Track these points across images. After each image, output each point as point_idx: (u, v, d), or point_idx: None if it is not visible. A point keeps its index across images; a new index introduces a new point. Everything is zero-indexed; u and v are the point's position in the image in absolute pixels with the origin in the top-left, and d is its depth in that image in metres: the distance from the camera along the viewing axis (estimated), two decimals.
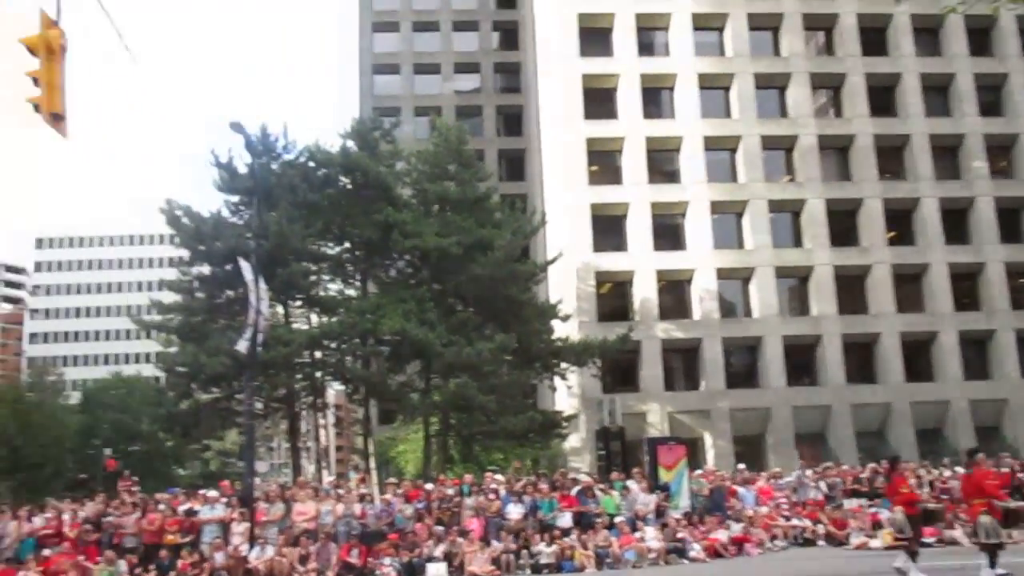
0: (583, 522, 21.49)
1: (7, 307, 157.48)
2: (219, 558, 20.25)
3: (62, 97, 11.82)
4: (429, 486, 24.57)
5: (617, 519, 21.43)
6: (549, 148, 51.84)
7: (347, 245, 37.99)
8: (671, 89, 48.58)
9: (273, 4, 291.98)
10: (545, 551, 20.34)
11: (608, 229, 46.30)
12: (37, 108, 11.68)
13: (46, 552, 21.28)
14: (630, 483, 23.33)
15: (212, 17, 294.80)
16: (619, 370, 43.95)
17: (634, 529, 21.29)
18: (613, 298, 46.40)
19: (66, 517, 22.02)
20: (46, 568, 20.64)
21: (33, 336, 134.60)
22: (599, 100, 47.82)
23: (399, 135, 42.68)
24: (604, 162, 47.68)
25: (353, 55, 68.41)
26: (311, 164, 36.63)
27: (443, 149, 37.26)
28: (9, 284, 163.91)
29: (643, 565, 20.08)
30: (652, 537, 20.99)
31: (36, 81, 11.65)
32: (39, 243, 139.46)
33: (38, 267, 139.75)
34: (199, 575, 19.96)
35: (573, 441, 42.11)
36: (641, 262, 45.71)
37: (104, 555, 20.55)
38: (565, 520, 21.41)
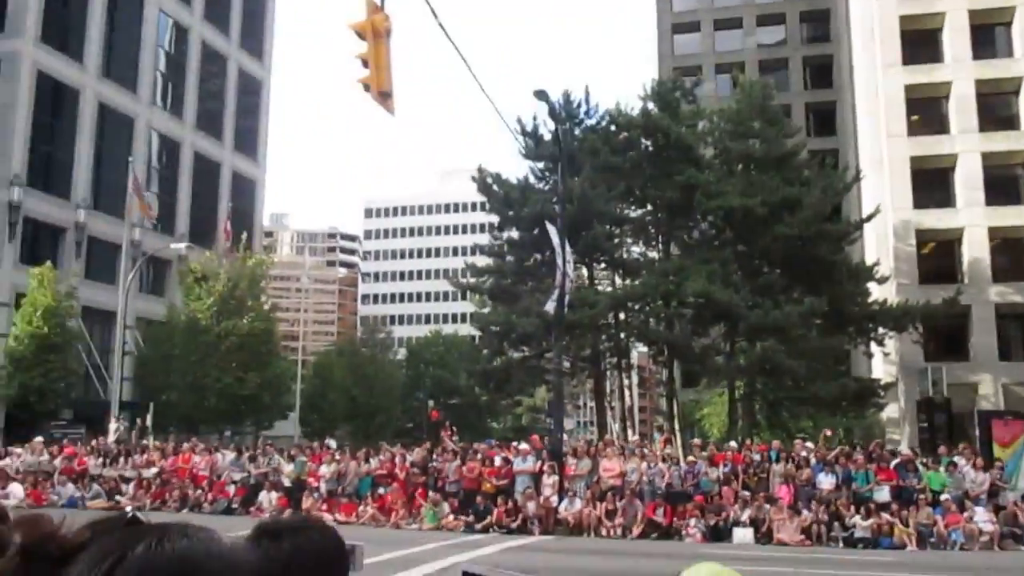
0: (902, 497, 20.14)
1: (343, 271, 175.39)
2: (531, 507, 21.35)
3: (389, 76, 12.81)
4: (733, 444, 24.25)
5: (942, 496, 19.84)
6: (863, 98, 48.40)
7: (649, 207, 38.12)
8: (1007, 25, 43.36)
9: None
10: (861, 524, 19.34)
11: (931, 183, 42.47)
12: (366, 88, 12.74)
13: (380, 490, 23.65)
14: (957, 459, 21.47)
15: None
16: (944, 337, 40.39)
17: (962, 509, 19.61)
18: (937, 258, 42.59)
19: (397, 460, 24.25)
20: (381, 505, 22.94)
21: (364, 298, 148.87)
22: (920, 43, 43.76)
23: (700, 94, 41.89)
24: (926, 111, 43.68)
25: (651, 17, 67.91)
26: (612, 128, 37.07)
27: (746, 106, 36.12)
28: (344, 251, 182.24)
29: (973, 548, 18.46)
30: (984, 519, 19.21)
31: (364, 63, 12.71)
32: (367, 213, 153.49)
33: (367, 235, 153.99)
34: (513, 522, 21.18)
35: (891, 411, 39.49)
36: (971, 218, 41.50)
37: (430, 496, 22.42)
38: (883, 494, 20.17)
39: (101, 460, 27.53)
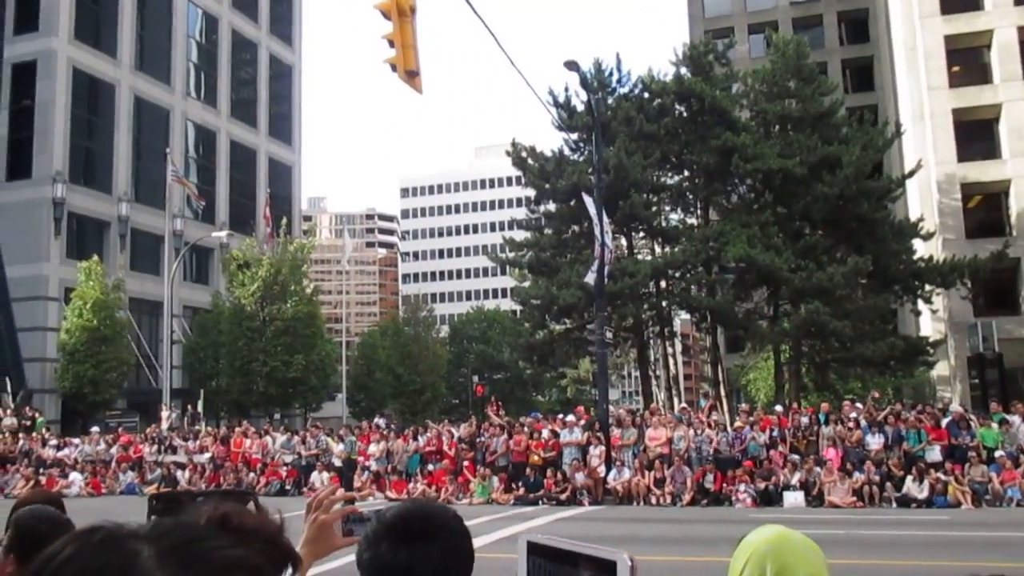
0: (955, 456, 19.88)
1: (383, 251, 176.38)
2: (579, 478, 21.44)
3: (415, 55, 12.79)
4: (778, 408, 24.11)
5: (997, 453, 19.56)
6: (901, 51, 47.31)
7: (686, 173, 37.77)
8: None
9: None
10: (913, 485, 19.15)
11: (975, 135, 41.49)
12: (394, 68, 12.74)
13: (430, 467, 23.90)
14: (1011, 416, 21.11)
15: None
16: (993, 291, 39.60)
17: (1017, 464, 19.33)
18: (983, 211, 41.69)
19: (444, 437, 24.46)
20: (430, 481, 23.19)
21: (405, 277, 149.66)
22: None
23: (733, 56, 41.24)
24: (967, 61, 42.59)
25: None
26: (645, 95, 36.71)
27: (781, 65, 35.52)
28: (383, 231, 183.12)
29: None
30: None
31: (391, 43, 12.70)
32: (403, 192, 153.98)
33: (404, 214, 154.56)
34: (562, 493, 21.29)
35: (941, 369, 38.92)
36: (1018, 169, 40.48)
37: (479, 471, 22.60)
38: (935, 453, 19.94)
39: (156, 447, 28.14)
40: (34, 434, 30.09)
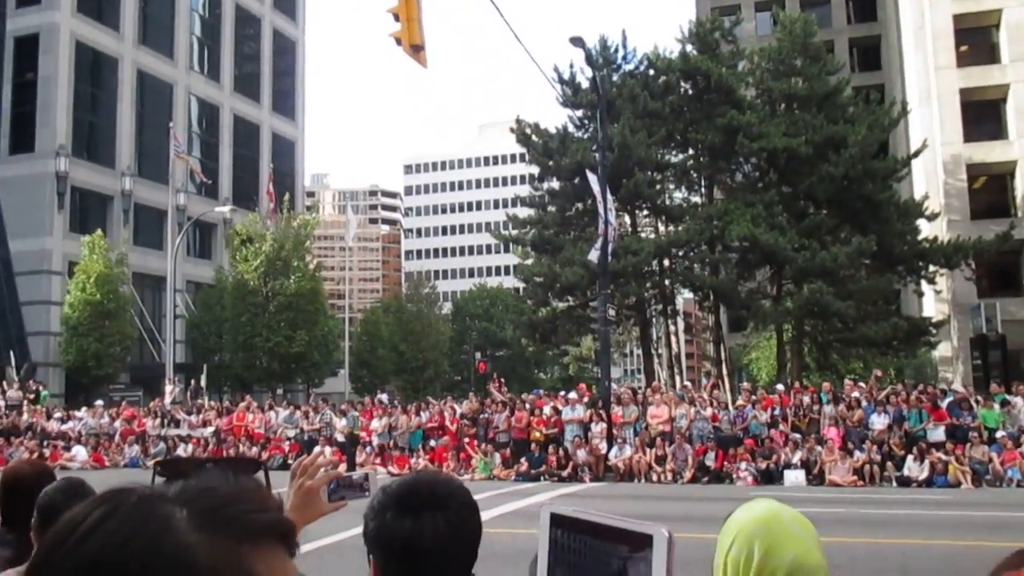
0: (956, 436, 19.92)
1: (386, 228, 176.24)
2: (581, 455, 21.52)
3: (420, 29, 12.73)
4: (779, 387, 24.14)
5: (998, 434, 19.60)
6: (909, 31, 46.96)
7: (691, 152, 37.61)
8: None
9: None
10: (914, 465, 19.20)
11: (982, 116, 41.24)
12: (398, 42, 12.69)
13: (432, 443, 24.00)
14: (1013, 397, 21.14)
15: None
16: (997, 273, 39.54)
17: (1017, 445, 19.38)
18: (989, 192, 41.53)
19: (447, 413, 24.54)
20: (432, 457, 23.30)
21: (408, 253, 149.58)
22: None
23: (739, 34, 40.93)
24: (976, 40, 42.26)
25: None
26: (651, 72, 36.50)
27: (787, 44, 35.25)
28: (386, 208, 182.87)
29: None
30: None
31: (396, 16, 12.63)
32: (407, 169, 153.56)
33: (408, 191, 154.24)
34: (563, 470, 21.38)
35: (943, 350, 38.92)
36: None
37: (481, 448, 22.69)
38: (936, 433, 19.98)
39: (159, 421, 28.26)
40: (38, 407, 30.23)
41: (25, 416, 28.86)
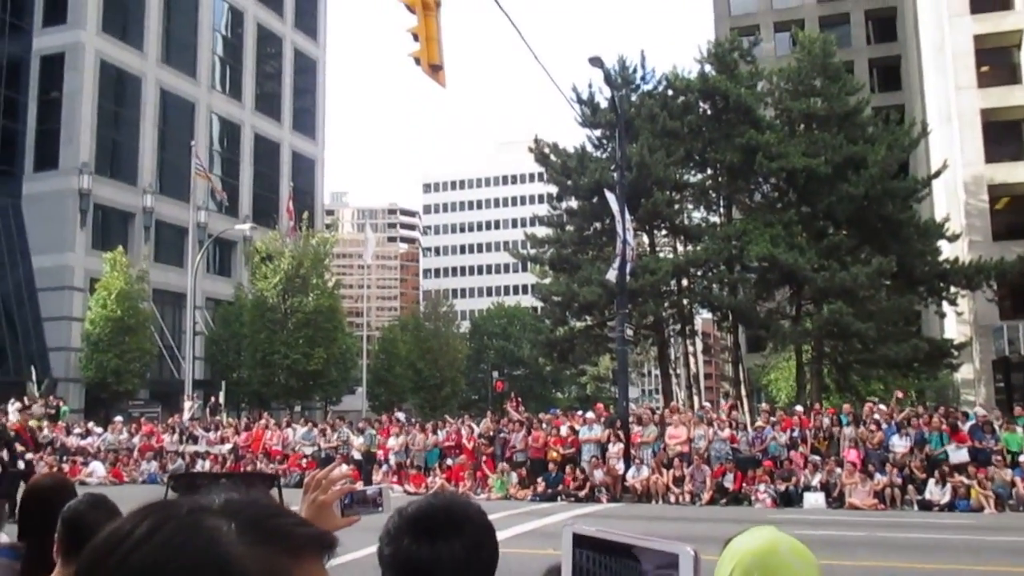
0: (979, 459, 19.66)
1: (404, 246, 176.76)
2: (598, 475, 21.40)
3: (439, 49, 12.79)
4: (799, 408, 23.95)
5: (1021, 458, 19.34)
6: (929, 51, 46.81)
7: (709, 171, 37.59)
8: None
9: None
10: (935, 488, 18.97)
11: (1003, 136, 40.98)
12: (417, 61, 12.75)
13: (448, 461, 23.93)
14: None
15: None
16: (1020, 294, 39.08)
17: None
18: (1011, 213, 41.17)
19: (464, 432, 24.49)
20: (449, 476, 23.23)
21: (426, 272, 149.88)
22: None
23: (758, 54, 40.91)
24: (997, 61, 42.06)
25: None
26: (669, 92, 36.53)
27: (807, 64, 35.22)
28: (404, 226, 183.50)
29: None
30: None
31: (415, 37, 12.71)
32: (425, 187, 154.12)
33: (426, 209, 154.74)
34: (580, 490, 21.26)
35: (965, 372, 38.51)
36: None
37: (498, 467, 22.61)
38: (958, 456, 19.72)
39: (177, 437, 28.35)
40: (59, 423, 30.40)
41: (45, 431, 29.01)
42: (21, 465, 17.16)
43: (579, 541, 1.27)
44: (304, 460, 25.83)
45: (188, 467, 26.41)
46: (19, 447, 17.91)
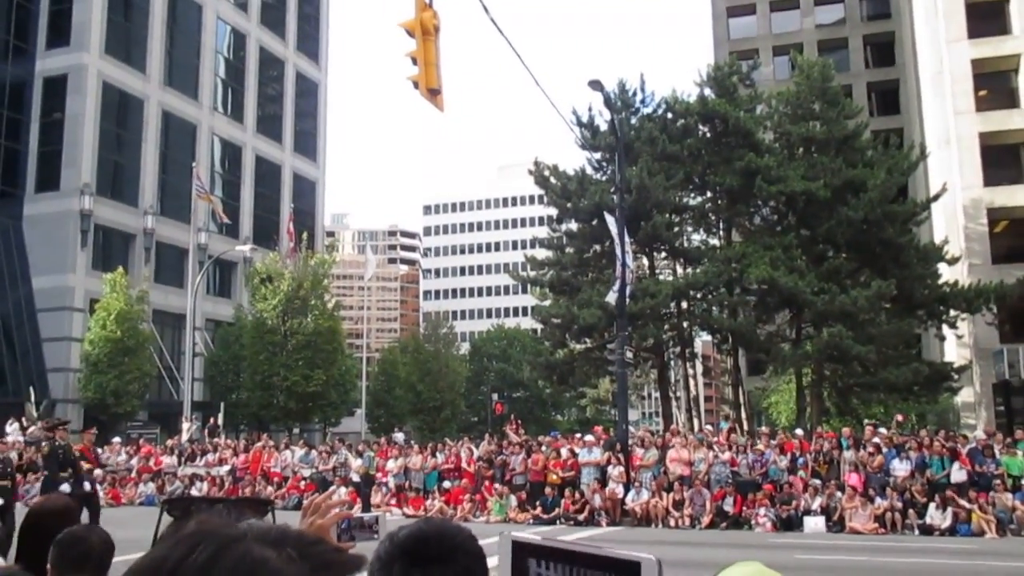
0: (980, 483, 19.60)
1: (404, 268, 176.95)
2: (597, 499, 21.31)
3: (438, 73, 12.87)
4: (799, 432, 23.89)
5: (1022, 481, 19.28)
6: (928, 75, 47.09)
7: (709, 194, 37.71)
8: None
9: None
10: (936, 513, 18.88)
11: (1002, 160, 41.12)
12: (416, 85, 12.83)
13: (447, 484, 23.84)
14: None
15: None
16: (1020, 318, 39.05)
17: None
18: (1010, 237, 41.24)
19: (463, 454, 24.41)
20: (448, 498, 23.13)
21: (426, 294, 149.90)
22: (985, 15, 42.33)
23: (757, 78, 41.16)
24: (994, 85, 42.29)
25: (705, 0, 66.96)
26: (669, 115, 36.70)
27: (805, 88, 35.40)
28: (405, 248, 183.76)
29: None
30: None
31: (414, 61, 12.80)
32: (426, 209, 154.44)
33: (427, 231, 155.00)
34: (580, 513, 21.17)
35: (966, 395, 38.44)
36: None
37: (496, 489, 22.52)
38: (960, 475, 19.65)
39: (176, 459, 28.25)
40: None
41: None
42: (87, 487, 15.99)
43: (529, 551, 1.25)
44: (303, 483, 25.73)
45: (186, 489, 26.29)
46: (84, 465, 16.78)
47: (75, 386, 40.20)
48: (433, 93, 12.60)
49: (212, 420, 35.49)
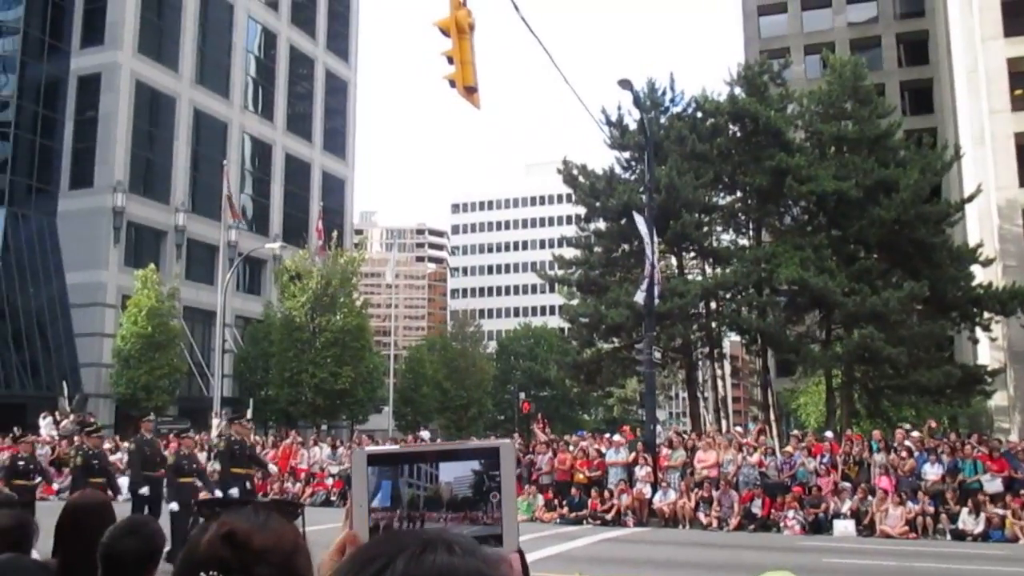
0: (1013, 488, 19.30)
1: (432, 266, 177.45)
2: (624, 499, 21.23)
3: (473, 71, 12.89)
4: (828, 434, 23.67)
5: None
6: (962, 74, 46.45)
7: (738, 194, 37.42)
8: None
9: None
10: (968, 518, 18.62)
11: None
12: (452, 84, 12.86)
13: None
14: None
15: None
16: None
17: None
18: None
19: None
20: None
21: (454, 292, 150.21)
22: (1021, 12, 41.66)
23: (788, 77, 40.80)
24: None
25: (735, 0, 66.48)
26: (699, 114, 36.47)
27: (837, 86, 35.03)
28: (432, 246, 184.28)
29: None
30: None
31: (450, 59, 12.82)
32: (454, 208, 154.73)
33: (455, 230, 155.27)
34: (607, 513, 21.09)
35: (999, 399, 37.89)
36: None
37: (524, 489, 22.49)
38: (993, 485, 19.37)
39: (205, 455, 28.45)
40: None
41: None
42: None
43: (386, 460, 1.32)
44: (330, 479, 25.86)
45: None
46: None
47: (107, 381, 40.69)
48: (470, 91, 12.63)
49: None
